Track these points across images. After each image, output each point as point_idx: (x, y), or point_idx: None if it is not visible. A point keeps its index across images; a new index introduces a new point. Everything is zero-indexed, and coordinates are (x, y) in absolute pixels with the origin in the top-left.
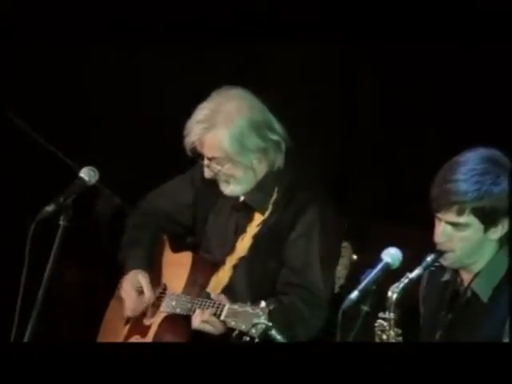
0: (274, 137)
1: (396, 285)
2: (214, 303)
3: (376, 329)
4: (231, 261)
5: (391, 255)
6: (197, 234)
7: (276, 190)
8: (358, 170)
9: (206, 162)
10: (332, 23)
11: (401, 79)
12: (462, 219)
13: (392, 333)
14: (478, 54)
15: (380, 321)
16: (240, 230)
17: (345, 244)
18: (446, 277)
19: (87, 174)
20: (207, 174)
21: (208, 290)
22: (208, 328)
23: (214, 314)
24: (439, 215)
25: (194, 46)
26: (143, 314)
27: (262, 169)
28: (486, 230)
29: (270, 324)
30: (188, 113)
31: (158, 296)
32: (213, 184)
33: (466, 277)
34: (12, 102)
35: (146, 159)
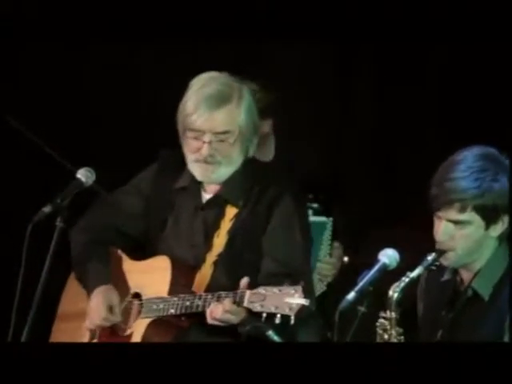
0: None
1: (397, 284)
2: (232, 293)
3: (377, 328)
4: (211, 258)
5: (388, 256)
6: (152, 242)
7: (248, 181)
8: (355, 170)
9: (208, 138)
10: (330, 23)
11: (399, 79)
12: (463, 216)
13: (393, 332)
14: (476, 54)
15: (381, 320)
16: (211, 228)
17: (336, 244)
18: (446, 277)
19: (84, 174)
20: (205, 151)
21: (193, 289)
22: (229, 317)
23: (234, 302)
24: (440, 214)
25: (193, 46)
26: (109, 327)
27: (240, 160)
28: (487, 227)
29: (307, 304)
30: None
31: (129, 305)
32: (165, 189)
33: (465, 276)
34: (11, 102)
35: (143, 160)
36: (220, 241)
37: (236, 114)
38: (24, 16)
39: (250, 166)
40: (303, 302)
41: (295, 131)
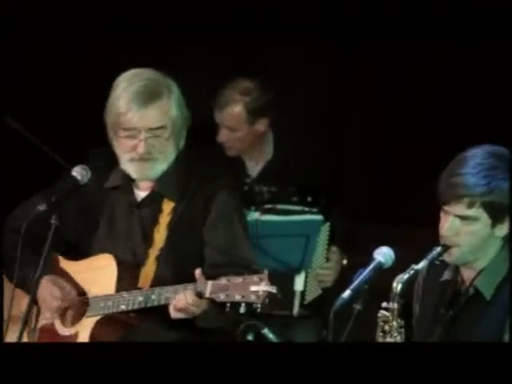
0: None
1: (401, 276)
2: (191, 285)
3: (379, 319)
4: (153, 253)
5: (383, 254)
6: (85, 243)
7: (182, 175)
8: (352, 171)
9: (143, 136)
10: (328, 23)
11: (397, 79)
12: (471, 212)
13: (395, 323)
14: (476, 54)
15: (383, 311)
16: (148, 225)
17: (334, 249)
18: (446, 276)
19: (79, 172)
20: (142, 149)
21: (139, 285)
22: (192, 309)
23: (196, 294)
24: (447, 208)
25: (192, 46)
26: (50, 327)
27: (172, 156)
28: (493, 225)
29: (274, 291)
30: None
31: (72, 304)
32: (96, 189)
33: (467, 275)
34: (11, 102)
35: None
36: (160, 236)
37: (168, 109)
38: (24, 16)
39: (182, 159)
40: (270, 289)
41: (293, 131)
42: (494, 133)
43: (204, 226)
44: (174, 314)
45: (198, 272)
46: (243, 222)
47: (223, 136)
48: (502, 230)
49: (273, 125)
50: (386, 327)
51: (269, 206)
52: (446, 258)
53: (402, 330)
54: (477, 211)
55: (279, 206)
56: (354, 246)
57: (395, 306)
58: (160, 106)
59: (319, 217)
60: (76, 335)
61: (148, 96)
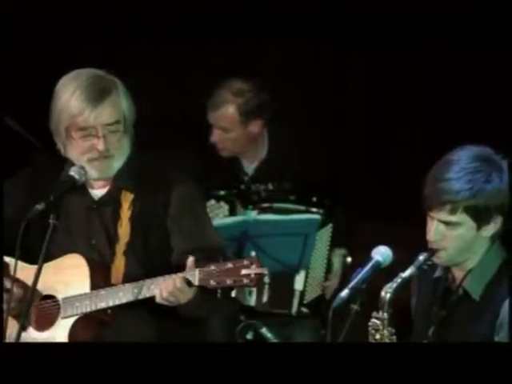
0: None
1: (389, 285)
2: (177, 274)
3: (370, 328)
4: (120, 248)
5: (381, 253)
6: (37, 247)
7: (135, 168)
8: (349, 171)
9: (101, 132)
10: (322, 24)
11: (389, 80)
12: (454, 218)
13: (386, 332)
14: (468, 54)
15: (374, 320)
16: (110, 222)
17: (338, 251)
18: (438, 273)
19: (77, 172)
20: (102, 146)
21: (112, 281)
22: (178, 296)
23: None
24: (432, 214)
25: (187, 47)
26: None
27: (126, 153)
28: (478, 227)
29: (266, 273)
30: (179, 112)
31: (41, 307)
32: (43, 194)
33: (458, 274)
34: (10, 102)
35: None
36: (124, 230)
37: (119, 103)
38: (24, 16)
39: (136, 153)
40: (261, 270)
41: (286, 131)
42: (492, 132)
43: (168, 216)
44: (159, 299)
45: (190, 260)
46: (205, 209)
47: (216, 137)
48: (489, 230)
49: (267, 126)
50: (378, 336)
51: (266, 204)
52: (435, 260)
53: (394, 337)
54: (460, 216)
55: (276, 205)
56: (356, 245)
57: (385, 315)
58: (112, 101)
59: (317, 216)
60: (53, 337)
61: (98, 93)
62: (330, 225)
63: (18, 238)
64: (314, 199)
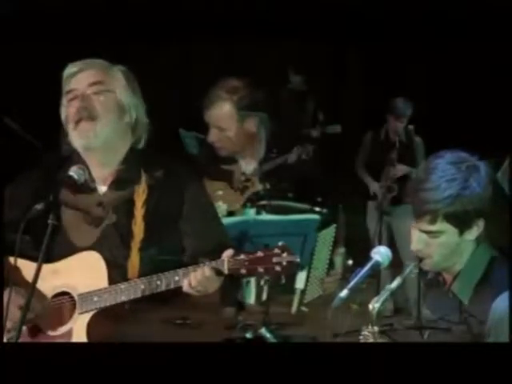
0: (143, 111)
1: (376, 298)
2: (207, 263)
3: (360, 342)
4: (135, 245)
5: (381, 253)
6: (46, 248)
7: (144, 169)
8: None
9: (82, 91)
10: (320, 24)
11: (394, 79)
12: (435, 227)
13: None
14: (474, 54)
15: (364, 333)
16: (124, 219)
17: (341, 251)
18: (430, 275)
19: (76, 172)
20: (79, 103)
21: (129, 276)
22: (206, 285)
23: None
24: (413, 224)
25: (184, 45)
26: (35, 327)
27: (126, 143)
28: (461, 232)
29: (298, 260)
30: (178, 111)
31: (57, 303)
32: (50, 194)
33: (447, 277)
34: (10, 102)
35: None
36: (138, 228)
37: (111, 75)
38: (23, 16)
39: (140, 153)
40: (293, 258)
41: (283, 131)
42: (491, 132)
43: (180, 216)
44: (186, 288)
45: (229, 252)
46: (215, 208)
47: (213, 136)
48: (472, 233)
49: (264, 124)
50: None
51: (264, 203)
52: (423, 267)
53: None
54: (440, 225)
55: (274, 203)
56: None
57: (375, 328)
58: (100, 65)
59: (317, 216)
60: (70, 332)
61: (96, 62)
62: (334, 225)
63: (18, 238)
64: (319, 199)
